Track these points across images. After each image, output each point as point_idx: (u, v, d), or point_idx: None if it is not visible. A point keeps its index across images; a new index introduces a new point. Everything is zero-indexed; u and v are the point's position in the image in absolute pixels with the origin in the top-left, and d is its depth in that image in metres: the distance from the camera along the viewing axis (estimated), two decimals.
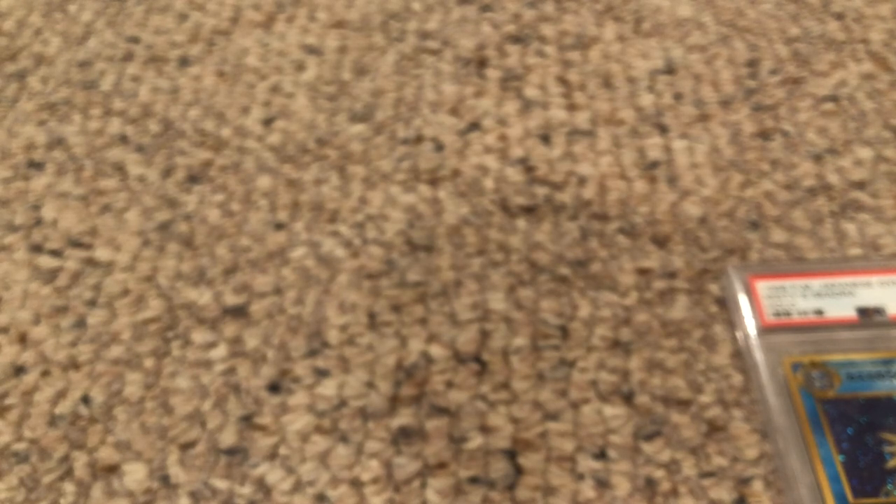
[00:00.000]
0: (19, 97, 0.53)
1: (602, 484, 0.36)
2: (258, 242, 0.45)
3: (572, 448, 0.37)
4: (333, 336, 0.41)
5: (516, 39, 0.55)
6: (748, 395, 0.39)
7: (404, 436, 0.38)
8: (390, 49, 0.55)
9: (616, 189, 0.47)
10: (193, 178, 0.48)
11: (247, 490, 0.37)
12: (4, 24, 0.58)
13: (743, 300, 0.41)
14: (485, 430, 0.38)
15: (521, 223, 0.45)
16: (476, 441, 0.38)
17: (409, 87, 0.52)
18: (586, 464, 0.37)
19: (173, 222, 0.46)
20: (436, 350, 0.41)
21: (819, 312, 0.40)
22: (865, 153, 0.48)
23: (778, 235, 0.44)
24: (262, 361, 0.41)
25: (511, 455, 0.37)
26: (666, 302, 0.42)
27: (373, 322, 0.42)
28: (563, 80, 0.52)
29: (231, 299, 0.43)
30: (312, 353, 0.41)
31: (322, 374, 0.40)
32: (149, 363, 0.41)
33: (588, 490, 0.36)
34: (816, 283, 0.41)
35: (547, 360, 0.40)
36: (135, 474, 0.37)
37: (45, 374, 0.41)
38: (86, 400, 0.40)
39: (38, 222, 0.46)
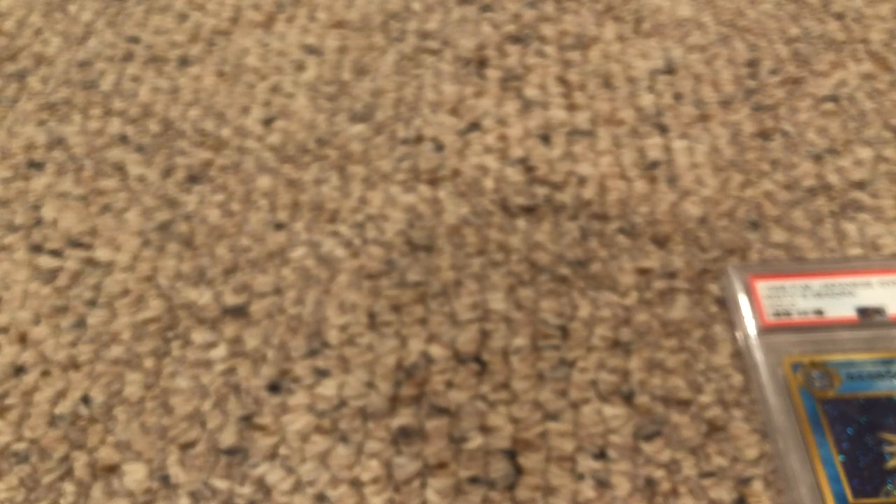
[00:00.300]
0: (19, 97, 0.53)
1: (602, 484, 0.36)
2: (258, 242, 0.45)
3: (572, 448, 0.37)
4: (333, 336, 0.41)
5: (516, 39, 0.55)
6: (748, 395, 0.39)
7: (404, 436, 0.38)
8: (390, 49, 0.55)
9: (616, 189, 0.47)
10: (193, 178, 0.48)
11: (247, 490, 0.37)
12: (4, 24, 0.58)
13: (743, 300, 0.41)
14: (485, 430, 0.38)
15: (521, 223, 0.45)
16: (476, 441, 0.38)
17: (409, 87, 0.52)
18: (586, 464, 0.37)
19: (173, 222, 0.46)
20: (436, 350, 0.41)
21: (819, 312, 0.40)
22: (865, 153, 0.48)
23: (778, 235, 0.44)
24: (262, 361, 0.41)
25: (511, 455, 0.37)
26: (666, 302, 0.42)
27: (373, 322, 0.42)
28: (563, 80, 0.52)
29: (231, 299, 0.43)
30: (312, 353, 0.41)
31: (322, 374, 0.40)
32: (149, 363, 0.41)
33: (588, 490, 0.36)
34: (816, 283, 0.41)
35: (547, 360, 0.40)
36: (135, 474, 0.37)
37: (45, 374, 0.41)
38: (86, 400, 0.40)
39: (38, 222, 0.46)
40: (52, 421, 0.39)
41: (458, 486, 0.37)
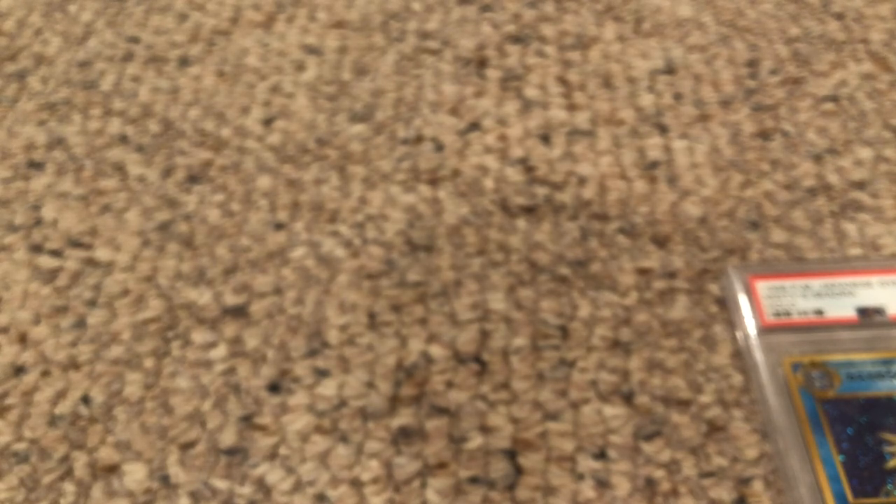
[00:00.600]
0: (19, 97, 0.53)
1: (602, 484, 0.36)
2: (258, 242, 0.45)
3: (572, 448, 0.37)
4: (333, 336, 0.41)
5: (516, 39, 0.55)
6: (748, 395, 0.39)
7: (404, 436, 0.38)
8: (390, 49, 0.55)
9: (616, 189, 0.47)
10: (193, 178, 0.48)
11: (247, 490, 0.37)
12: (4, 24, 0.58)
13: (743, 300, 0.41)
14: (485, 430, 0.38)
15: (521, 223, 0.45)
16: (476, 441, 0.38)
17: (409, 87, 0.52)
18: (586, 464, 0.37)
19: (173, 222, 0.46)
20: (436, 350, 0.41)
21: (819, 312, 0.40)
22: (865, 153, 0.48)
23: (778, 235, 0.44)
24: (262, 361, 0.41)
25: (511, 455, 0.37)
26: (666, 302, 0.42)
27: (373, 322, 0.42)
28: (563, 80, 0.52)
29: (231, 299, 0.43)
30: (312, 353, 0.41)
31: (322, 374, 0.40)
32: (149, 363, 0.41)
33: (588, 490, 0.36)
34: (816, 283, 0.41)
35: (547, 360, 0.40)
36: (135, 474, 0.37)
37: (45, 374, 0.41)
38: (86, 400, 0.40)
39: (38, 222, 0.46)
40: (52, 421, 0.39)
41: (458, 486, 0.37)
